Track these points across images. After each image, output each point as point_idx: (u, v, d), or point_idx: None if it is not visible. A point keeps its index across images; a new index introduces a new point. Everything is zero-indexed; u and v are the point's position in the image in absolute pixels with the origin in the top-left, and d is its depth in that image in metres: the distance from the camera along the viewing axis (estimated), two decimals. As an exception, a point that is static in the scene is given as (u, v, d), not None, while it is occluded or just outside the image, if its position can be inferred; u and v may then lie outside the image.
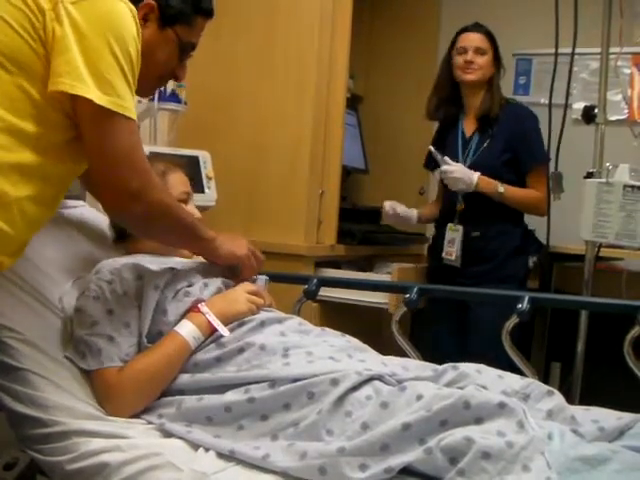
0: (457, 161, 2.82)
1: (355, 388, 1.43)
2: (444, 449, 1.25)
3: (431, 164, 3.02)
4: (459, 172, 2.74)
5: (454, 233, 2.83)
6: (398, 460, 1.28)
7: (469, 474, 1.21)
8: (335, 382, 1.44)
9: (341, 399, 1.41)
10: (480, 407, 1.30)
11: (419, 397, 1.37)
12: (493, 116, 2.82)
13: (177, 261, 1.77)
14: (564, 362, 3.29)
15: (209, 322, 1.60)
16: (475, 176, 2.73)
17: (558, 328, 3.24)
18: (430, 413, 1.30)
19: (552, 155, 2.70)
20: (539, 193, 2.79)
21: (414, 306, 1.98)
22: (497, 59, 2.89)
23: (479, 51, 2.83)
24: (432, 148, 2.82)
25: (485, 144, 2.83)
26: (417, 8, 3.72)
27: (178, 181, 1.85)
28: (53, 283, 1.70)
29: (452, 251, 2.81)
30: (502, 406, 1.29)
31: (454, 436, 1.26)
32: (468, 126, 2.92)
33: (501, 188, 2.75)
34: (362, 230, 3.02)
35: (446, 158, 2.78)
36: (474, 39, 2.85)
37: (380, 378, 1.47)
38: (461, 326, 2.83)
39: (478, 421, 1.29)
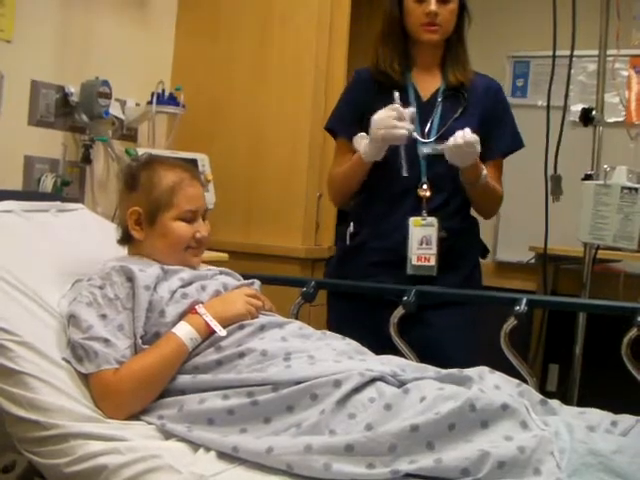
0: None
1: (358, 390, 1.44)
2: (457, 459, 1.27)
3: (349, 132, 2.12)
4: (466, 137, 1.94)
5: (427, 229, 2.02)
6: (406, 467, 1.29)
7: None
8: (338, 383, 1.44)
9: (344, 400, 1.42)
10: (484, 410, 1.34)
11: (422, 399, 1.39)
12: (467, 83, 2.12)
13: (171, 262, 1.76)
14: (562, 364, 3.30)
15: (206, 323, 1.60)
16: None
17: (556, 330, 3.24)
18: (439, 416, 1.33)
19: (551, 157, 2.69)
20: (501, 188, 2.15)
21: (413, 309, 1.98)
22: (463, 6, 2.11)
23: None
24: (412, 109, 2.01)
25: (458, 113, 2.09)
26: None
27: (185, 199, 1.74)
28: (52, 286, 1.71)
29: (429, 255, 2.02)
30: (505, 407, 1.35)
31: (468, 449, 1.28)
32: (424, 87, 2.14)
33: (485, 171, 2.04)
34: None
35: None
36: None
37: (382, 379, 1.49)
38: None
39: (484, 425, 1.33)
